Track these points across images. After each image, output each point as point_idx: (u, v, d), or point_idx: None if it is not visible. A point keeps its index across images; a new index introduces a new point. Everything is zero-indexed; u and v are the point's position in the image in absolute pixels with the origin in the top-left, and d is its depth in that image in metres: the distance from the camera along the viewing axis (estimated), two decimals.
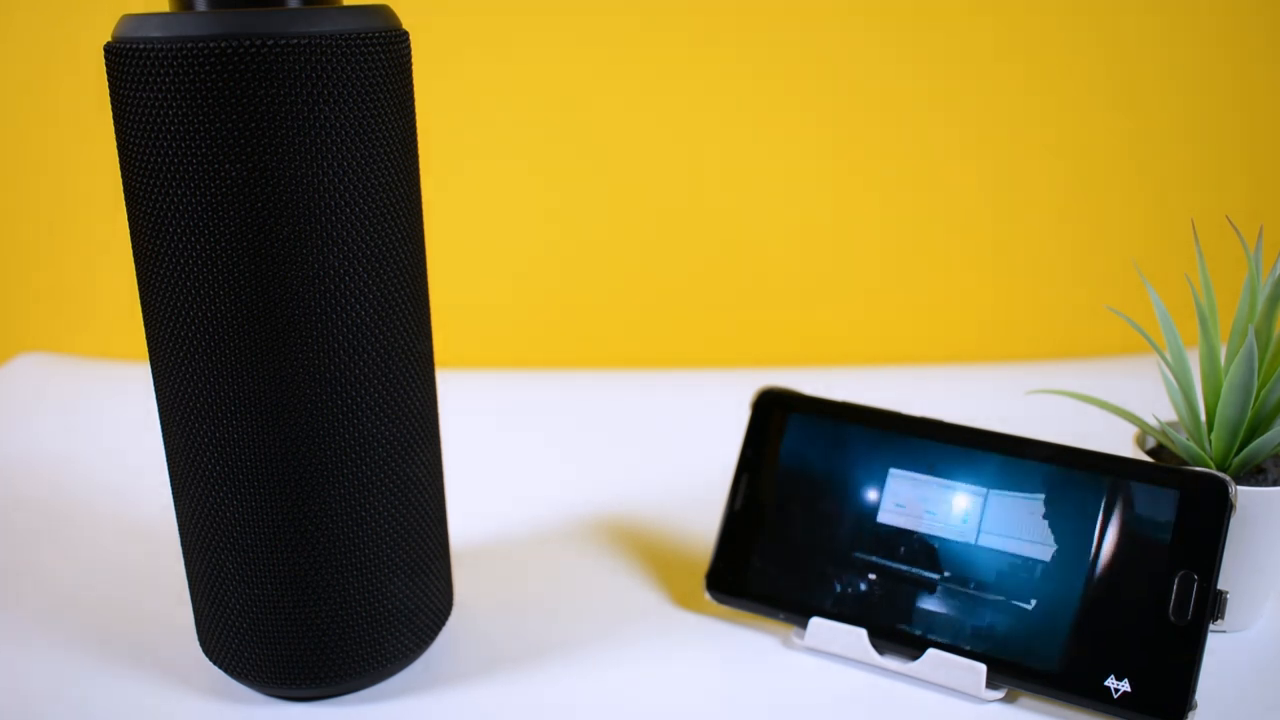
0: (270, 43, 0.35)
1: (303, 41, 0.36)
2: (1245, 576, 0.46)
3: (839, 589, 0.47)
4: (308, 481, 0.40)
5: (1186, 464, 0.47)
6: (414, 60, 0.41)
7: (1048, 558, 0.43)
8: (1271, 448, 0.45)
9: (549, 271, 0.82)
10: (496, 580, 0.53)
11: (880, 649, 0.45)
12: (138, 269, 0.40)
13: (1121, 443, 0.51)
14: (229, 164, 0.36)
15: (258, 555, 0.41)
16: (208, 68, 0.35)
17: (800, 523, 0.48)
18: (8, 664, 0.47)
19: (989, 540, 0.45)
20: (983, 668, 0.43)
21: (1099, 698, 0.41)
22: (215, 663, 0.44)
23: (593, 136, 0.79)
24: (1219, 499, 0.41)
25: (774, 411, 0.51)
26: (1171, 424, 0.50)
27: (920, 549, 0.46)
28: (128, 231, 0.41)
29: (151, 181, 0.37)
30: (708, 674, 0.46)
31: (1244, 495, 0.44)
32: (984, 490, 0.45)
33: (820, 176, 0.80)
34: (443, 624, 0.47)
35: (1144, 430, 0.48)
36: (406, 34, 0.40)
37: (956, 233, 0.81)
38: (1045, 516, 0.44)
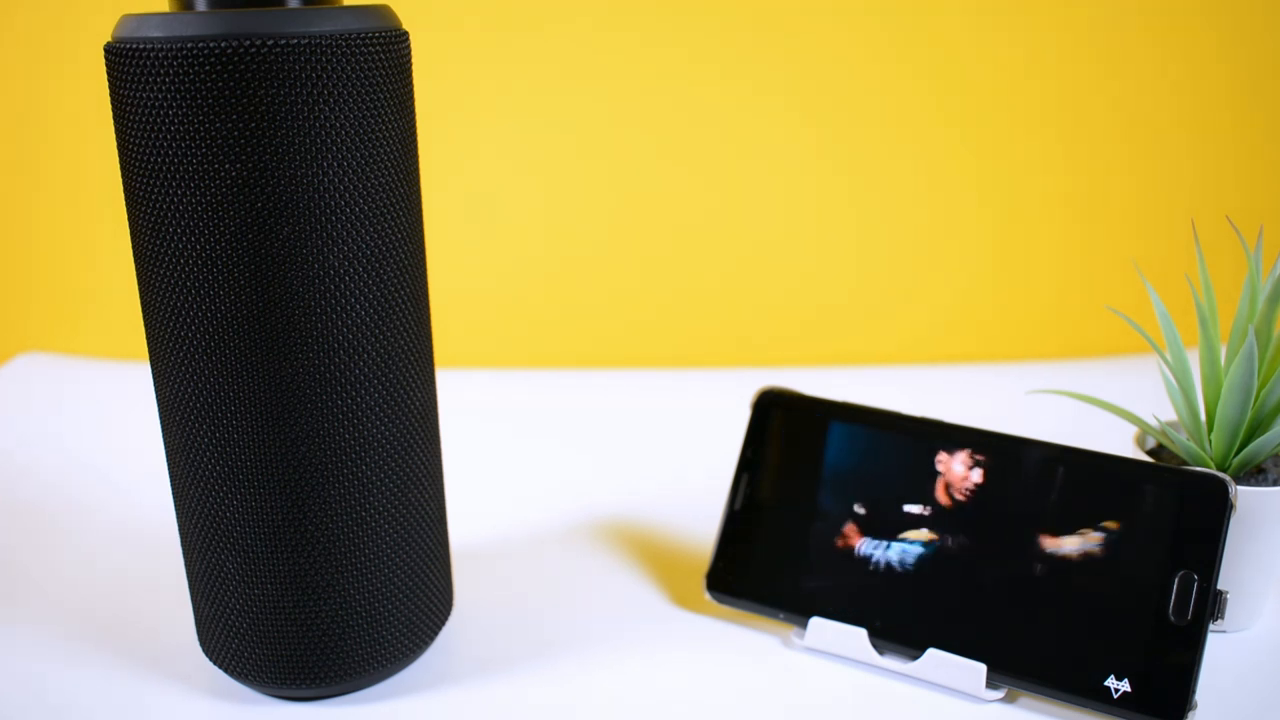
0: (270, 43, 0.35)
1: (303, 41, 0.36)
2: (1245, 576, 0.46)
3: (839, 589, 0.47)
4: (308, 481, 0.40)
5: (1186, 464, 0.47)
6: (414, 60, 0.41)
7: (1047, 557, 0.43)
8: (1271, 448, 0.45)
9: (549, 271, 0.82)
10: (496, 580, 0.53)
11: (880, 649, 0.45)
12: (138, 269, 0.40)
13: (1121, 443, 0.51)
14: (229, 164, 0.36)
15: (258, 555, 0.41)
16: (208, 68, 0.35)
17: (800, 523, 0.48)
18: (7, 664, 0.47)
19: (988, 539, 0.45)
20: (983, 668, 0.43)
21: (1099, 698, 0.41)
22: (215, 663, 0.44)
23: (593, 136, 0.79)
24: (1219, 499, 0.41)
25: (774, 411, 0.51)
26: (1171, 424, 0.50)
27: (920, 548, 0.46)
28: (128, 231, 0.41)
29: (151, 181, 0.37)
30: (708, 674, 0.46)
31: (1244, 495, 0.44)
32: (983, 490, 0.45)
33: (821, 177, 0.80)
34: (443, 624, 0.47)
35: (1144, 430, 0.48)
36: (406, 34, 0.40)
37: (957, 233, 0.81)
38: (1045, 517, 0.44)
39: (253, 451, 0.39)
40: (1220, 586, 0.41)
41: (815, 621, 0.46)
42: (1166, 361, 0.48)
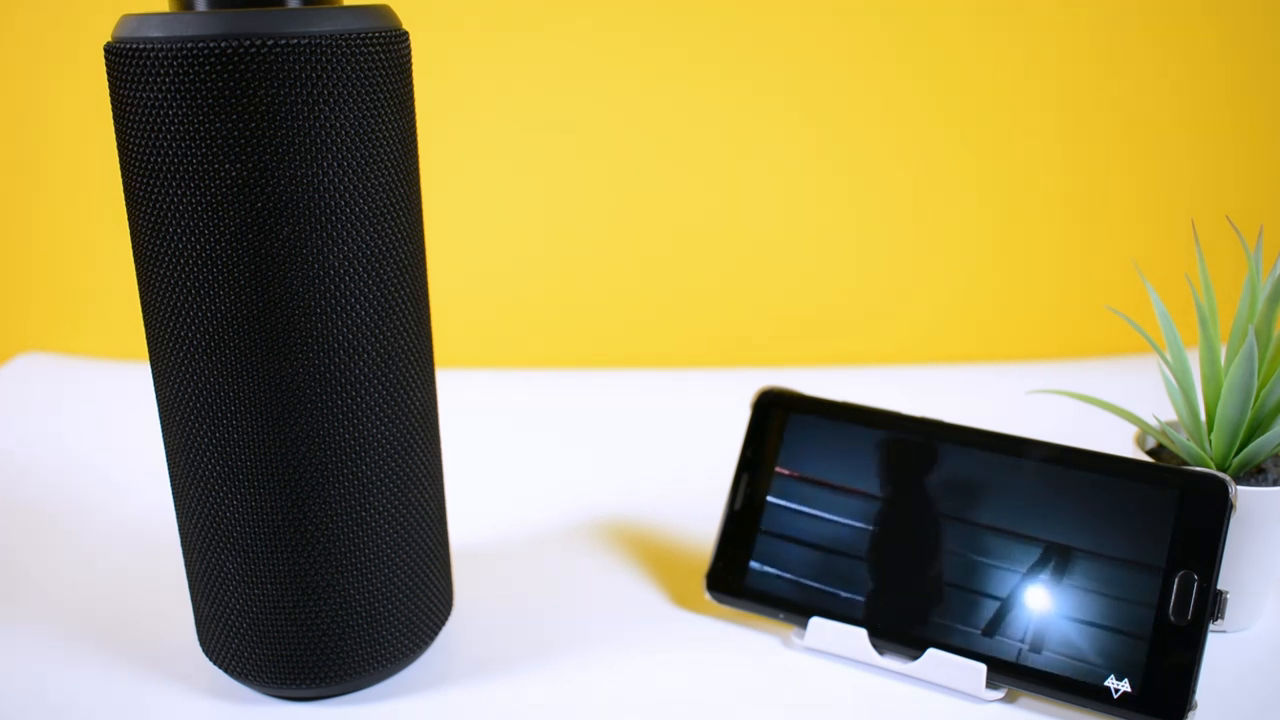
0: (270, 43, 0.35)
1: (303, 41, 0.36)
2: (1245, 576, 0.46)
3: (839, 589, 0.47)
4: (308, 481, 0.40)
5: (1186, 464, 0.47)
6: (414, 60, 0.41)
7: (1048, 558, 0.43)
8: (1271, 448, 0.45)
9: (549, 271, 0.82)
10: (496, 580, 0.53)
11: (880, 649, 0.45)
12: (138, 269, 0.40)
13: (1121, 443, 0.51)
14: (229, 164, 0.36)
15: (258, 555, 0.41)
16: (208, 68, 0.35)
17: (800, 523, 0.48)
18: (8, 664, 0.47)
19: (989, 540, 0.45)
20: (983, 668, 0.43)
21: (1099, 698, 0.41)
22: (215, 663, 0.44)
23: (592, 136, 0.79)
24: (1219, 499, 0.41)
25: (774, 411, 0.51)
26: (1171, 424, 0.50)
27: (919, 548, 0.46)
28: (128, 231, 0.41)
29: (151, 181, 0.37)
30: (708, 674, 0.46)
31: (1244, 495, 0.44)
32: (983, 491, 0.45)
33: (821, 177, 0.80)
34: (443, 624, 0.47)
35: (1144, 430, 0.48)
36: (406, 34, 0.40)
37: (957, 233, 0.81)
38: (1045, 517, 0.44)
39: (253, 451, 0.39)
40: (1220, 586, 0.41)
41: (815, 621, 0.46)
42: (1166, 361, 0.48)
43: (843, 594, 0.47)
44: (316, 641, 0.42)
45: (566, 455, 0.68)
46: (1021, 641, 0.43)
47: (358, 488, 0.41)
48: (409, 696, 0.44)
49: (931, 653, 0.44)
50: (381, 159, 0.38)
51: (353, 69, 0.37)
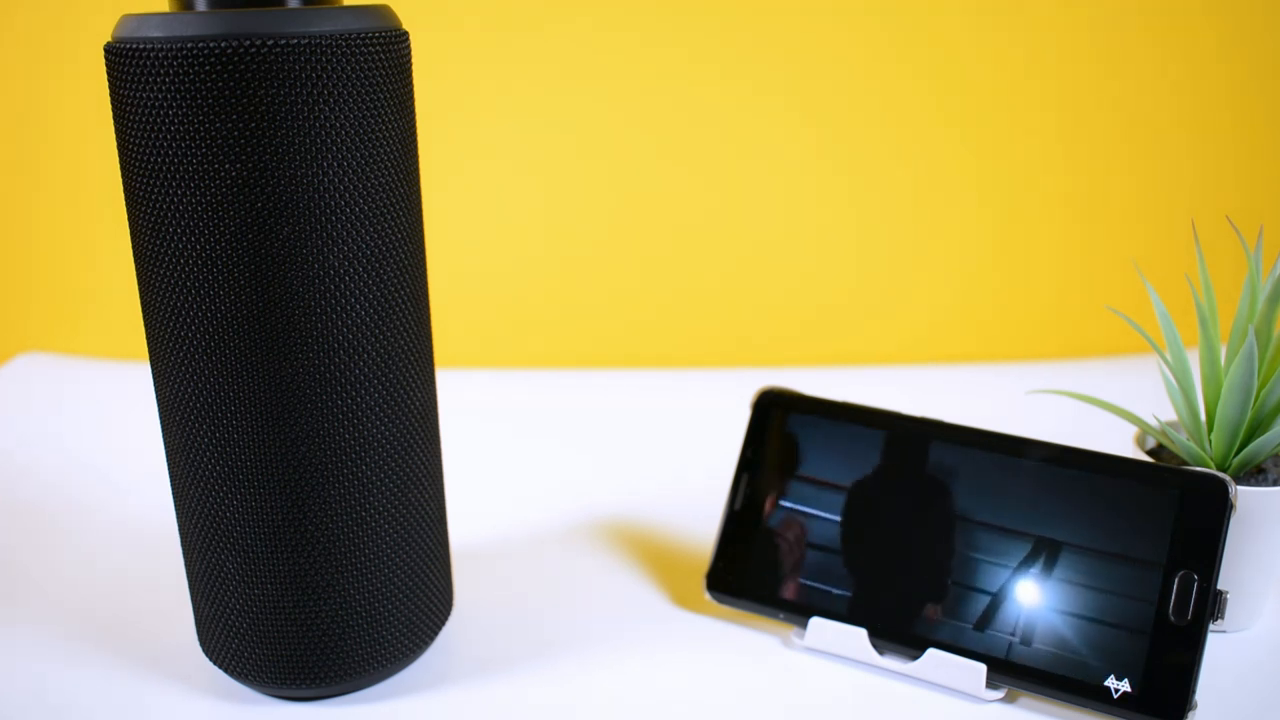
0: (270, 43, 0.35)
1: (303, 41, 0.36)
2: (1245, 576, 0.46)
3: (839, 589, 0.47)
4: (308, 481, 0.40)
5: (1186, 464, 0.47)
6: (414, 60, 0.41)
7: (1048, 557, 0.43)
8: (1271, 448, 0.45)
9: (549, 271, 0.82)
10: (496, 580, 0.53)
11: (880, 649, 0.45)
12: (138, 269, 0.40)
13: (1121, 443, 0.51)
14: (229, 164, 0.36)
15: (258, 555, 0.41)
16: (208, 68, 0.35)
17: (800, 523, 0.48)
18: (8, 664, 0.47)
19: (989, 540, 0.45)
20: (983, 668, 0.43)
21: (1099, 698, 0.41)
22: (215, 663, 0.44)
23: (592, 136, 0.79)
24: (1219, 499, 0.41)
25: (774, 411, 0.51)
26: (1171, 424, 0.50)
27: (920, 548, 0.46)
28: (128, 231, 0.41)
29: (151, 181, 0.37)
30: (708, 674, 0.46)
31: (1244, 495, 0.44)
32: (983, 491, 0.45)
33: (821, 176, 0.80)
34: (443, 624, 0.47)
35: (1144, 430, 0.48)
36: (406, 34, 0.40)
37: (957, 233, 0.81)
38: (1045, 516, 0.44)
39: (253, 451, 0.39)
40: (1220, 586, 0.41)
41: (815, 621, 0.46)
42: (1166, 361, 0.48)
43: (843, 594, 0.47)
44: (316, 641, 0.42)
45: (566, 455, 0.68)
46: (1019, 640, 0.43)
47: (358, 488, 0.41)
48: (409, 696, 0.44)
49: (931, 652, 0.44)
50: (381, 159, 0.38)
51: (353, 69, 0.37)
